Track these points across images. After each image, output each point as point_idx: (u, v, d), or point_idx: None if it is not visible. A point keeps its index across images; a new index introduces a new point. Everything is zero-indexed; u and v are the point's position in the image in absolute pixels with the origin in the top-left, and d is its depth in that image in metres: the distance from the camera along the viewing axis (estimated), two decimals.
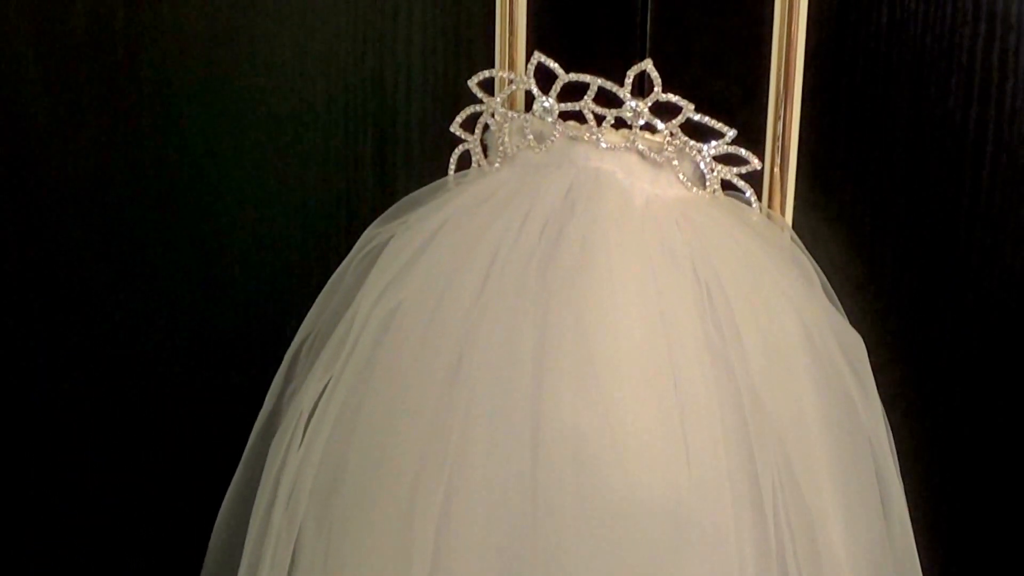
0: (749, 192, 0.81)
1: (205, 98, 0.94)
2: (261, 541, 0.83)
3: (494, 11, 0.84)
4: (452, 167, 0.85)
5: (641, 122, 0.79)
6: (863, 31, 0.83)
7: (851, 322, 0.81)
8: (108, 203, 0.98)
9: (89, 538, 1.04)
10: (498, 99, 0.83)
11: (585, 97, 0.80)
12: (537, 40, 0.84)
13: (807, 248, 0.82)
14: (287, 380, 0.86)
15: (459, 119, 0.84)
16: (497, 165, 0.83)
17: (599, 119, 0.80)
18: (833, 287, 0.82)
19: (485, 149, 0.84)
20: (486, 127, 0.84)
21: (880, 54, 0.83)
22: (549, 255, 0.78)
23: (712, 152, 0.80)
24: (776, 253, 0.81)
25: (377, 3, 0.90)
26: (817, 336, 0.79)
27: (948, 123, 0.83)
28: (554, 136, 0.80)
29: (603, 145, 0.79)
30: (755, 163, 0.80)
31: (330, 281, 0.86)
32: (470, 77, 0.83)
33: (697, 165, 0.80)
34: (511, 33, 0.84)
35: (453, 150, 0.85)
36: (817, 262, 0.82)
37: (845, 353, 0.79)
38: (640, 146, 0.79)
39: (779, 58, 0.81)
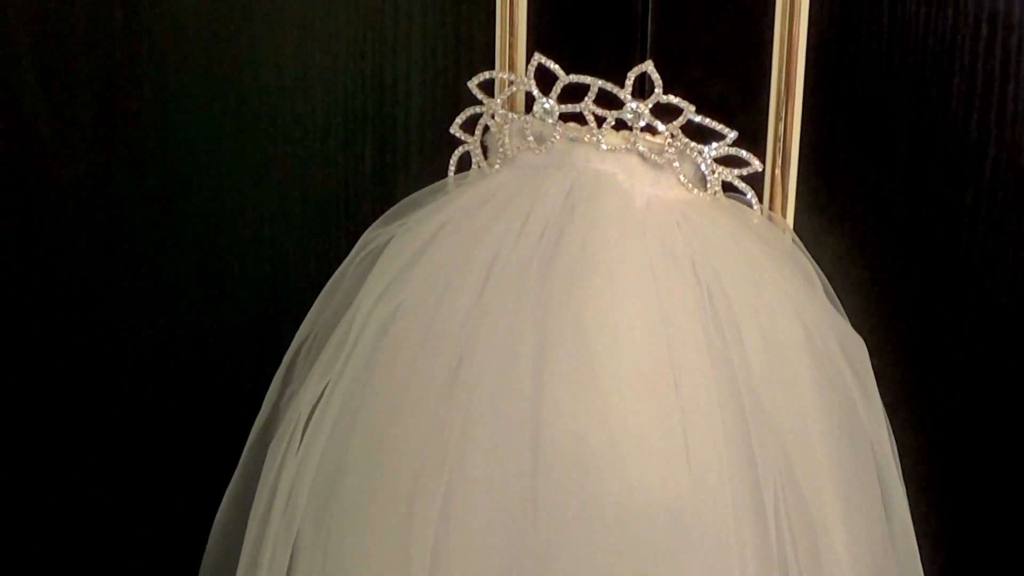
0: (750, 194, 0.81)
1: (204, 99, 0.94)
2: (259, 544, 0.82)
3: (494, 12, 0.84)
4: (452, 168, 0.85)
5: (642, 124, 0.79)
6: (864, 32, 0.83)
7: (853, 324, 0.81)
8: (107, 204, 0.98)
9: (89, 538, 1.03)
10: (498, 100, 0.83)
11: (586, 98, 0.80)
12: (537, 41, 0.84)
13: (808, 250, 0.82)
14: (286, 382, 0.86)
15: (459, 120, 0.84)
16: (497, 167, 0.83)
17: (600, 121, 0.80)
18: (834, 289, 0.82)
19: (485, 150, 0.84)
20: (486, 128, 0.83)
21: (881, 55, 0.83)
22: (549, 257, 0.78)
23: (713, 154, 0.80)
24: (777, 255, 0.81)
25: (377, 3, 0.90)
26: (818, 338, 0.79)
27: (950, 124, 0.83)
28: (554, 138, 0.80)
29: (604, 147, 0.79)
30: (756, 165, 0.80)
31: (329, 282, 0.86)
32: (470, 78, 0.83)
33: (698, 167, 0.80)
34: (511, 34, 0.84)
35: (453, 151, 0.85)
36: (818, 264, 0.82)
37: (847, 355, 0.79)
38: (641, 148, 0.79)
39: (780, 59, 0.81)
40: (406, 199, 0.85)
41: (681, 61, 0.85)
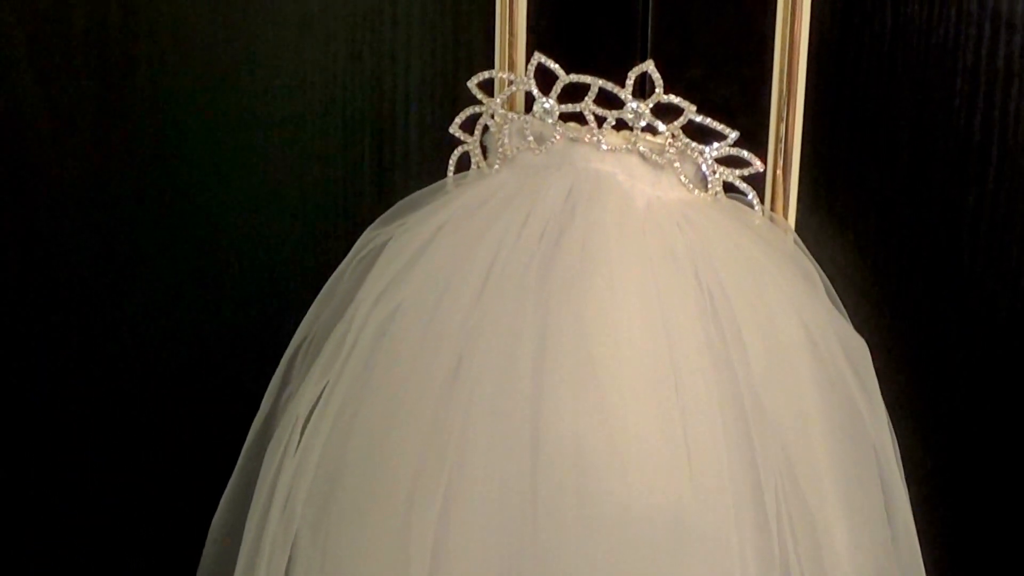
0: (751, 194, 0.81)
1: (202, 100, 0.94)
2: (256, 548, 0.82)
3: (494, 11, 0.84)
4: (451, 169, 0.85)
5: (642, 124, 0.79)
6: (866, 32, 0.83)
7: (855, 326, 0.81)
8: (104, 205, 0.98)
9: (89, 538, 1.03)
10: (498, 100, 0.82)
11: (586, 98, 0.79)
12: (537, 40, 0.84)
13: (810, 251, 0.82)
14: (284, 383, 0.86)
15: (458, 120, 0.84)
16: (497, 167, 0.83)
17: (600, 120, 0.80)
18: (836, 290, 0.82)
19: (484, 151, 0.84)
20: (485, 128, 0.83)
21: (884, 56, 0.83)
22: (549, 258, 0.78)
23: (714, 154, 0.80)
24: (779, 256, 0.80)
25: (375, 3, 0.90)
26: (820, 340, 0.79)
27: (952, 125, 0.83)
28: (554, 138, 0.80)
29: (604, 147, 0.79)
30: (757, 165, 0.80)
31: (327, 283, 0.85)
32: (469, 78, 0.82)
33: (699, 167, 0.80)
34: (511, 33, 0.84)
35: (452, 152, 0.85)
36: (820, 265, 0.82)
37: (849, 357, 0.79)
38: (641, 148, 0.79)
39: (782, 59, 0.81)
40: (405, 199, 0.85)
41: (682, 61, 0.85)
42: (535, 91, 0.81)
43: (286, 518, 0.81)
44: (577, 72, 0.79)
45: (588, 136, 0.79)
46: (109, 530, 1.03)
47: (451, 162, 0.85)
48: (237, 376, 0.97)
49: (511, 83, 0.82)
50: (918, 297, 0.86)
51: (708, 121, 0.79)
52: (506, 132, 0.82)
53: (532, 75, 0.81)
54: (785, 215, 0.83)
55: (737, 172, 0.80)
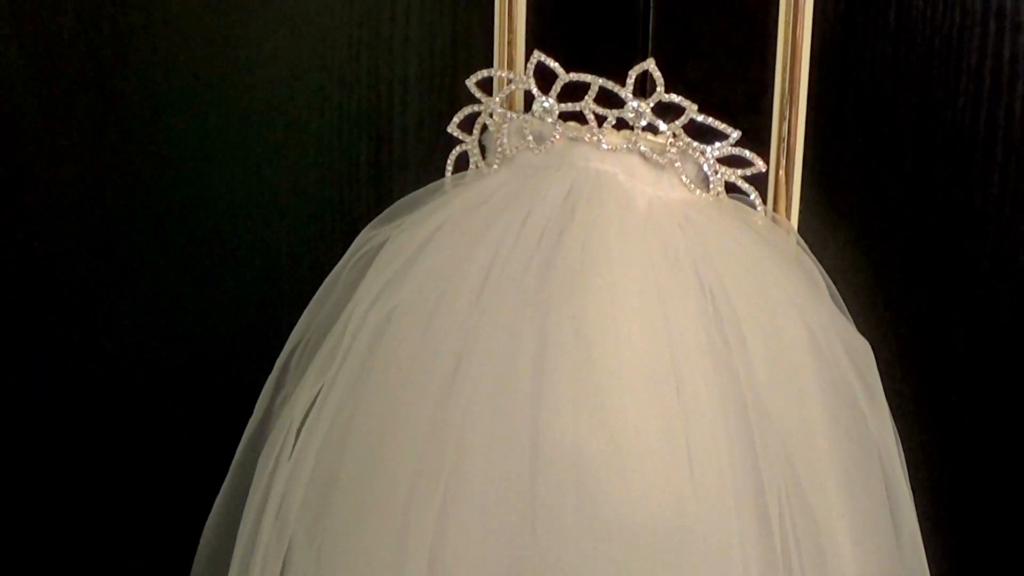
0: (754, 195, 0.81)
1: (197, 98, 0.95)
2: (249, 555, 0.82)
3: (493, 9, 0.84)
4: (449, 168, 0.85)
5: (643, 123, 0.79)
6: (870, 31, 0.83)
7: (858, 328, 0.81)
8: (98, 205, 0.98)
9: (89, 538, 1.04)
10: (497, 99, 0.82)
11: (586, 97, 0.79)
12: (537, 39, 0.84)
13: (813, 252, 0.82)
14: (279, 386, 0.86)
15: (457, 119, 0.83)
16: (495, 167, 0.83)
17: (600, 120, 0.79)
18: (839, 292, 0.81)
19: (483, 150, 0.84)
20: (484, 128, 0.83)
21: (887, 55, 0.83)
22: (549, 259, 0.77)
23: (716, 154, 0.80)
24: (781, 257, 0.80)
25: (372, 0, 0.91)
26: (823, 342, 0.78)
27: (957, 125, 0.83)
28: (554, 137, 0.80)
29: (604, 146, 0.79)
30: (760, 165, 0.80)
31: (323, 285, 0.85)
32: (468, 76, 0.82)
33: (700, 167, 0.80)
34: (510, 31, 0.84)
35: (450, 151, 0.85)
36: (823, 266, 0.81)
37: (852, 360, 0.79)
38: (642, 147, 0.79)
39: (784, 58, 0.81)
40: (402, 199, 0.85)
41: (683, 59, 0.85)
42: (534, 90, 0.80)
43: (280, 524, 0.81)
44: (577, 71, 0.79)
45: (588, 135, 0.79)
46: (109, 530, 1.03)
47: (449, 162, 0.85)
48: (232, 378, 0.97)
49: (510, 82, 0.82)
50: (922, 298, 0.86)
51: (710, 120, 0.79)
52: (505, 131, 0.82)
53: (531, 74, 0.80)
54: (788, 215, 0.83)
55: (739, 172, 0.80)
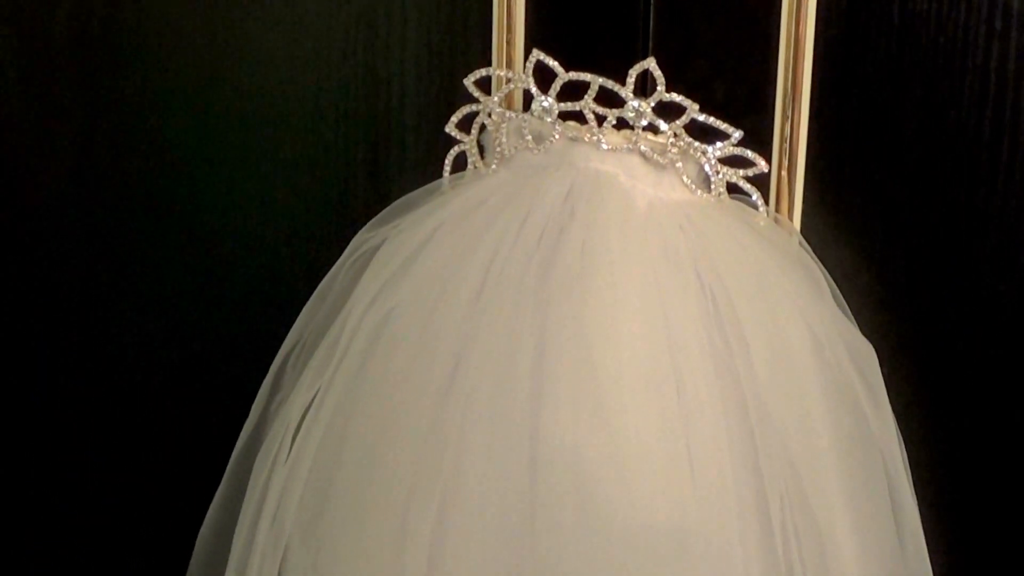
0: (756, 195, 0.80)
1: (192, 99, 0.94)
2: (245, 559, 0.82)
3: (491, 7, 0.84)
4: (447, 169, 0.85)
5: (644, 123, 0.79)
6: (874, 29, 0.83)
7: (861, 330, 0.81)
8: (93, 205, 0.98)
9: (89, 538, 1.04)
10: (495, 98, 0.82)
11: (585, 97, 0.79)
12: (536, 37, 0.84)
13: (816, 253, 0.82)
14: (274, 388, 0.86)
15: (455, 119, 0.83)
16: (494, 167, 0.82)
17: (600, 119, 0.79)
18: (843, 293, 0.81)
19: (482, 150, 0.84)
20: (483, 127, 0.83)
21: (891, 53, 0.83)
22: (548, 261, 0.77)
23: (717, 154, 0.79)
24: (783, 259, 0.80)
25: None
26: (826, 345, 0.78)
27: (962, 125, 0.83)
28: (553, 137, 0.80)
29: (604, 146, 0.79)
30: (762, 165, 0.80)
31: (320, 286, 0.85)
32: (466, 75, 0.82)
33: (702, 167, 0.80)
34: (509, 30, 0.84)
35: (448, 151, 0.84)
36: (826, 268, 0.81)
37: (855, 362, 0.79)
38: (643, 147, 0.79)
39: (787, 56, 0.81)
40: (400, 200, 0.85)
41: (684, 58, 0.85)
42: (533, 89, 0.80)
43: (275, 530, 0.80)
44: (577, 69, 0.79)
45: (588, 135, 0.79)
46: (109, 530, 1.03)
47: (447, 162, 0.84)
48: (229, 379, 0.97)
49: (509, 81, 0.82)
50: (927, 300, 0.86)
51: (711, 120, 0.78)
52: (504, 131, 0.81)
53: (530, 72, 0.80)
54: (790, 216, 0.83)
55: (741, 172, 0.80)
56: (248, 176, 0.95)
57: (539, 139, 0.80)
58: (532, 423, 0.74)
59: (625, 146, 0.79)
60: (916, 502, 0.80)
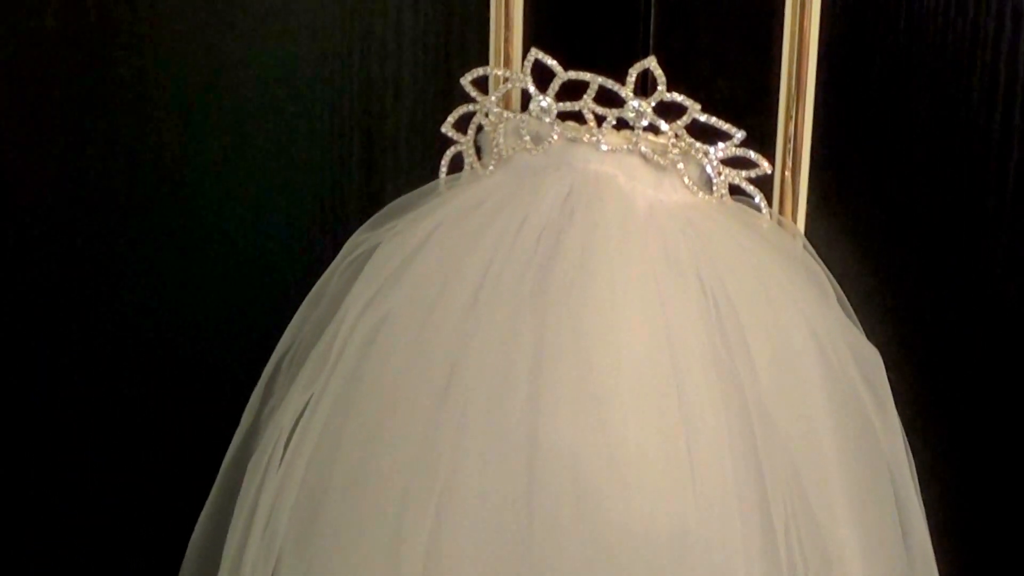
0: (759, 197, 0.80)
1: (184, 99, 0.94)
2: (236, 568, 0.82)
3: (489, 5, 0.84)
4: (443, 170, 0.84)
5: (644, 123, 0.78)
6: (880, 26, 0.83)
7: (867, 335, 0.80)
8: (86, 208, 0.98)
9: (89, 538, 1.04)
10: (493, 98, 0.82)
11: (585, 96, 0.79)
12: (534, 36, 0.84)
13: (820, 257, 0.82)
14: (267, 394, 0.85)
15: (451, 119, 0.83)
16: (491, 168, 0.82)
17: (600, 120, 0.79)
18: (848, 297, 0.81)
19: (479, 151, 0.83)
20: (480, 128, 0.83)
21: (898, 51, 0.83)
22: (546, 263, 0.77)
23: (719, 155, 0.79)
24: (787, 262, 0.80)
25: None
26: (831, 350, 0.78)
27: (971, 125, 0.82)
28: (552, 137, 0.79)
29: (604, 147, 0.78)
30: (765, 166, 0.79)
31: (313, 290, 0.85)
32: (463, 74, 0.82)
33: (703, 168, 0.79)
34: (507, 28, 0.83)
35: (445, 152, 0.84)
36: (830, 271, 0.81)
37: (861, 368, 0.79)
38: (643, 148, 0.78)
39: (791, 55, 0.80)
40: (395, 202, 0.85)
41: (686, 57, 0.85)
42: (532, 88, 0.80)
43: (268, 538, 0.80)
44: (576, 69, 0.79)
45: (587, 136, 0.79)
46: (109, 530, 1.03)
47: (443, 163, 0.84)
48: (220, 384, 0.97)
49: (507, 80, 0.81)
50: (933, 305, 0.85)
51: (713, 120, 0.78)
52: (501, 131, 0.81)
53: (529, 72, 0.80)
54: (794, 218, 0.82)
55: (744, 173, 0.79)
56: (242, 177, 0.94)
57: (537, 140, 0.80)
58: (530, 427, 0.74)
59: (625, 147, 0.78)
60: (923, 511, 0.80)
